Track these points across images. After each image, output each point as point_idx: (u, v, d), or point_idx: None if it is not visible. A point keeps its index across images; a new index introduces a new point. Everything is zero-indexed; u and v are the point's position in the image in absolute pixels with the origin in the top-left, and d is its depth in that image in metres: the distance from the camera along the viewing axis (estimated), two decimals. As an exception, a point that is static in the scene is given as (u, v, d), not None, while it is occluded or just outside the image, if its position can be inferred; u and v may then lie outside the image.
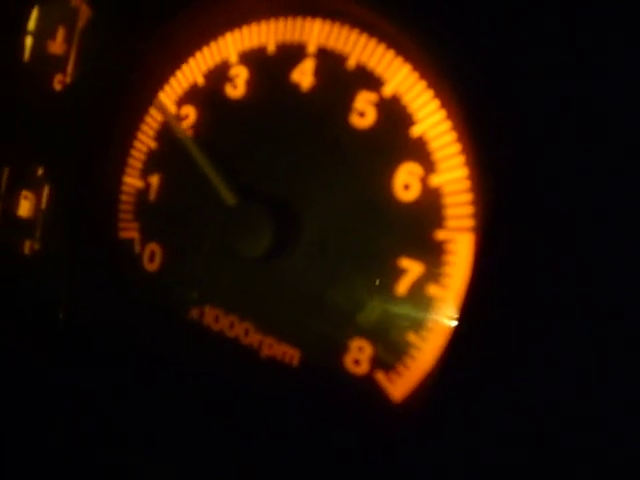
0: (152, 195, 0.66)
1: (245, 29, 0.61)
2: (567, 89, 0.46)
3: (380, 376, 0.55)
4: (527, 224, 0.47)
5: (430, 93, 0.53)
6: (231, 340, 0.61)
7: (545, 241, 0.47)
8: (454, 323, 0.51)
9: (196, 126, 0.64)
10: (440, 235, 0.52)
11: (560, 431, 0.46)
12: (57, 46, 0.71)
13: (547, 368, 0.46)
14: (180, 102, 0.65)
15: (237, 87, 0.61)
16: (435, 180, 0.52)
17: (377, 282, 0.55)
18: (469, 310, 0.50)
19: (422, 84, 0.53)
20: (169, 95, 0.65)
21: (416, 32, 0.52)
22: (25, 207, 0.74)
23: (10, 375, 0.67)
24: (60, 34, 0.71)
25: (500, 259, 0.49)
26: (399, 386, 0.54)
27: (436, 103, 0.53)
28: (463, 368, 0.50)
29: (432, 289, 0.52)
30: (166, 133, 0.65)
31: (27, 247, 0.74)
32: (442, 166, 0.52)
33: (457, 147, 0.52)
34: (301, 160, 0.58)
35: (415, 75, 0.54)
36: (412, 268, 0.53)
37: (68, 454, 0.63)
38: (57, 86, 0.71)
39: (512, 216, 0.48)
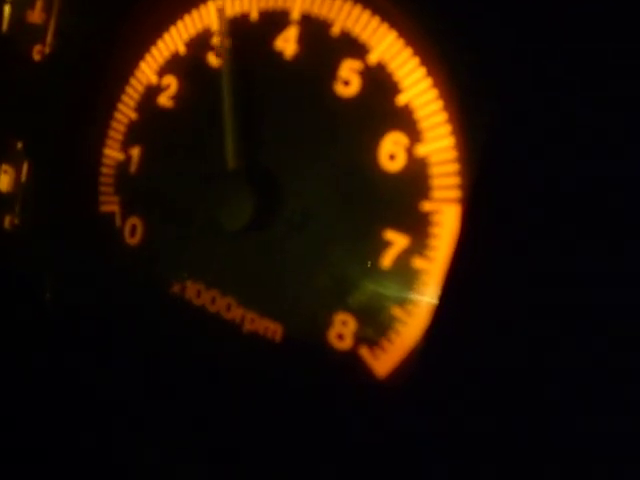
0: (133, 168, 0.64)
1: (227, -3, 0.60)
2: (556, 55, 0.45)
3: (364, 351, 0.53)
4: (513, 195, 0.46)
5: (416, 61, 0.52)
6: (213, 315, 0.60)
7: (532, 213, 0.45)
8: (439, 296, 0.50)
9: (177, 96, 0.62)
10: (426, 206, 0.51)
11: (545, 401, 0.45)
12: (36, 15, 0.70)
13: (532, 340, 0.45)
14: (161, 72, 0.63)
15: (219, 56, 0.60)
16: (421, 150, 0.51)
17: (369, 264, 0.53)
18: (453, 283, 0.48)
19: (408, 51, 0.52)
20: (150, 64, 0.64)
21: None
22: (4, 181, 0.72)
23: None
24: (39, 3, 0.69)
25: (485, 231, 0.47)
26: (383, 361, 0.53)
27: (422, 71, 0.51)
28: (447, 343, 0.49)
29: (417, 262, 0.51)
30: (147, 103, 0.64)
31: (7, 222, 0.72)
32: (428, 135, 0.51)
33: (443, 116, 0.50)
34: (284, 130, 0.57)
35: (401, 42, 0.52)
36: (397, 241, 0.52)
37: (54, 433, 0.62)
38: (36, 56, 0.69)
39: (498, 187, 0.47)
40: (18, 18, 0.71)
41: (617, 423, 0.42)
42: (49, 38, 0.69)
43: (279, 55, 0.57)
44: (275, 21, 0.57)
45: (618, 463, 0.43)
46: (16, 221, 0.72)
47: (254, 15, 0.58)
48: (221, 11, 0.58)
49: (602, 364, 0.43)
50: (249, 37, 0.58)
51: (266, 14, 0.58)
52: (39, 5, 0.69)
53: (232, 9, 0.59)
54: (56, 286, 0.69)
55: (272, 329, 0.57)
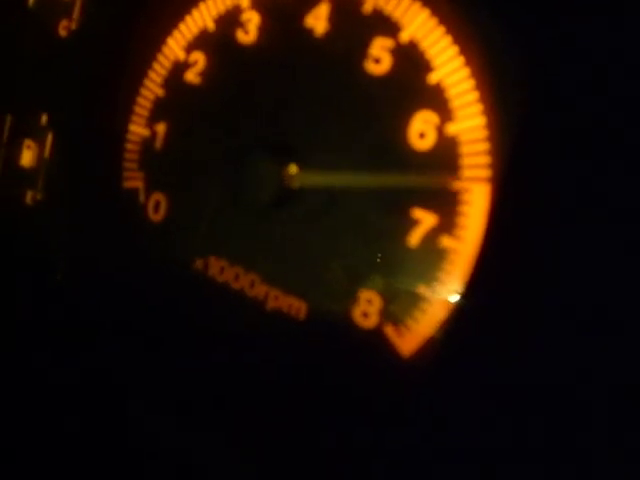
0: (158, 144, 0.64)
1: (258, -27, 0.60)
2: (594, 38, 0.45)
3: (389, 330, 0.53)
4: (544, 175, 0.46)
5: (448, 39, 0.51)
6: (236, 292, 0.59)
7: (563, 193, 0.45)
8: (467, 276, 0.50)
9: (205, 72, 0.62)
10: (455, 185, 0.51)
11: (570, 386, 0.44)
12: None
13: (562, 322, 0.45)
14: (189, 48, 0.63)
15: (249, 32, 0.60)
16: (451, 129, 0.51)
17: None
18: (483, 263, 0.48)
19: (440, 30, 0.52)
20: (178, 40, 0.64)
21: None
22: (28, 157, 0.72)
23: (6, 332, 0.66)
24: (66, -21, 0.69)
25: (516, 210, 0.47)
26: (408, 340, 0.53)
27: (454, 49, 0.51)
28: (474, 323, 0.49)
29: (445, 241, 0.51)
30: (174, 80, 0.64)
31: (29, 197, 0.72)
32: (459, 114, 0.51)
33: (475, 95, 0.50)
34: (313, 108, 0.56)
35: (434, 20, 0.52)
36: (425, 219, 0.52)
37: (69, 411, 0.62)
38: (62, 32, 0.69)
39: (529, 167, 0.47)
40: (45, -7, 0.71)
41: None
42: (76, 14, 0.69)
43: (309, 33, 0.57)
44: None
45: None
46: (38, 196, 0.72)
47: (285, -8, 0.58)
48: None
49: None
50: (279, 14, 0.58)
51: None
52: (66, -19, 0.69)
53: (263, -14, 0.59)
54: (71, 266, 0.69)
55: (296, 306, 0.57)
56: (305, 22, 0.57)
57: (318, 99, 0.56)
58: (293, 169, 0.56)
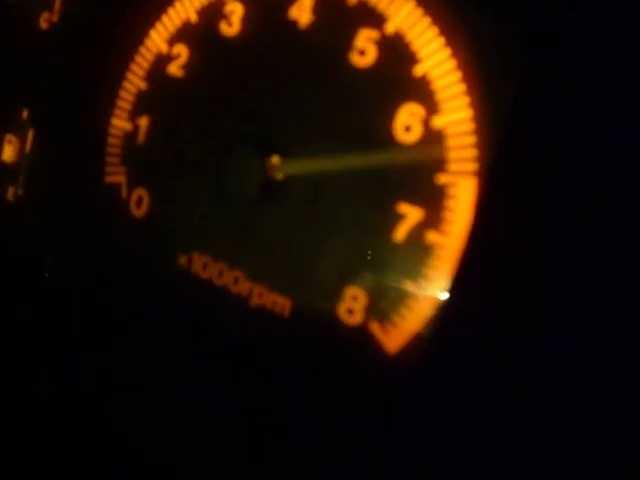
0: (140, 138, 0.63)
1: (241, -36, 0.58)
2: (582, 29, 0.44)
3: (374, 327, 0.52)
4: (531, 168, 0.45)
5: (434, 30, 0.50)
6: (220, 288, 0.58)
7: (550, 186, 0.44)
8: (453, 272, 0.49)
9: (188, 65, 0.61)
10: (441, 179, 0.50)
11: (561, 384, 0.44)
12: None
13: (548, 318, 0.44)
14: (172, 40, 0.62)
15: (232, 24, 0.59)
16: (438, 121, 0.50)
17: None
18: (469, 258, 0.48)
19: (426, 21, 0.51)
20: (160, 33, 0.62)
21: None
22: (9, 152, 0.71)
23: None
24: (47, -30, 0.68)
25: (502, 204, 0.46)
26: (394, 337, 0.52)
27: (440, 41, 0.50)
28: (460, 319, 0.48)
29: (431, 236, 0.50)
30: (157, 73, 0.63)
31: (10, 193, 0.71)
32: (445, 107, 0.50)
33: (461, 87, 0.49)
34: (297, 100, 0.55)
35: (419, 11, 0.51)
36: (411, 214, 0.51)
37: (55, 407, 0.61)
38: (43, 25, 0.68)
39: (516, 160, 0.46)
40: (26, -15, 0.70)
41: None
42: (57, 6, 0.67)
43: (293, 24, 0.56)
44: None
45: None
46: (20, 192, 0.70)
47: (268, -17, 0.57)
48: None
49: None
50: (263, 6, 0.57)
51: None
52: (47, -27, 0.68)
53: (246, -23, 0.58)
54: (57, 263, 0.68)
55: (280, 303, 0.56)
56: (289, 13, 0.56)
57: (303, 92, 0.55)
58: (276, 160, 0.55)
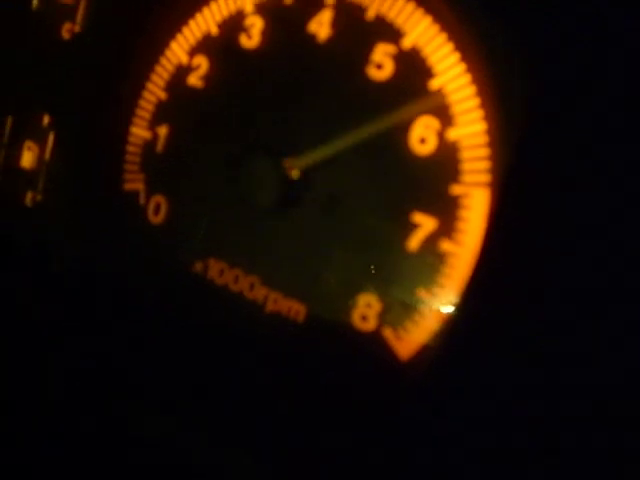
0: (159, 146, 0.65)
1: (262, -21, 0.60)
2: (596, 47, 0.45)
3: (388, 333, 0.54)
4: (544, 181, 0.46)
5: (450, 46, 0.52)
6: (235, 294, 0.60)
7: (562, 198, 0.46)
8: (466, 280, 0.50)
9: (208, 76, 0.62)
10: (455, 190, 0.51)
11: (572, 389, 0.45)
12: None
13: (561, 325, 0.45)
14: (192, 52, 0.63)
15: (252, 37, 0.60)
16: (452, 134, 0.51)
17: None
18: (481, 268, 0.49)
19: (442, 36, 0.52)
20: (181, 44, 0.64)
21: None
22: (28, 158, 0.72)
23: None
24: (71, -19, 0.70)
25: (516, 216, 0.48)
26: (406, 344, 0.53)
27: (456, 56, 0.52)
28: (472, 327, 0.49)
29: (445, 245, 0.51)
30: (177, 83, 0.64)
31: (29, 198, 0.72)
32: (460, 120, 0.51)
33: (476, 101, 0.51)
34: (315, 113, 0.57)
35: (436, 27, 0.52)
36: (425, 223, 0.52)
37: (67, 405, 0.62)
38: (65, 35, 0.70)
39: (529, 172, 0.47)
40: (49, -3, 0.71)
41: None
42: (79, 17, 0.69)
43: (312, 38, 0.57)
44: (309, 4, 0.57)
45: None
46: (38, 198, 0.72)
47: (288, -1, 0.59)
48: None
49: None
50: (282, 20, 0.59)
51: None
52: (70, -17, 0.70)
53: (266, -8, 0.60)
54: (72, 266, 0.69)
55: (295, 309, 0.57)
56: (308, 28, 0.57)
57: (321, 104, 0.57)
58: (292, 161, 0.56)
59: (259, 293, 0.59)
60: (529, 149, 0.47)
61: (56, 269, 0.68)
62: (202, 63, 0.63)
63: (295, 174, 0.56)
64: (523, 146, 0.48)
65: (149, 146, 0.65)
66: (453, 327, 0.51)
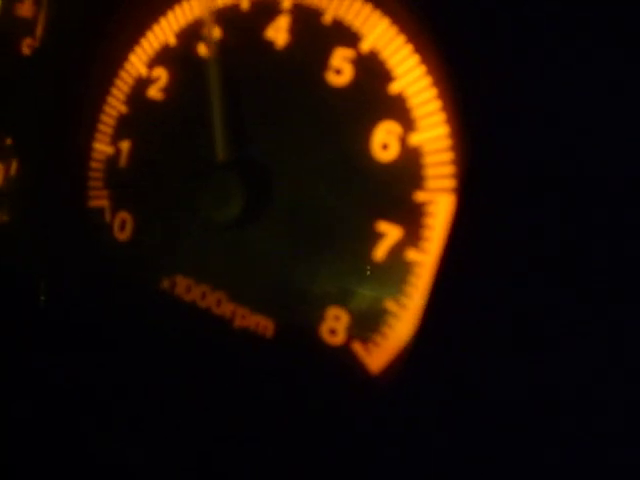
0: (122, 162, 0.63)
1: (218, -14, 0.59)
2: (553, 42, 0.44)
3: (357, 346, 0.52)
4: (508, 184, 0.45)
5: (409, 48, 0.50)
6: (203, 311, 0.58)
7: (527, 202, 0.44)
8: (429, 290, 0.48)
9: (168, 88, 0.61)
10: (420, 197, 0.50)
11: (539, 398, 0.43)
12: (26, 9, 0.69)
13: (528, 334, 0.44)
14: (151, 64, 0.62)
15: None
16: (415, 139, 0.50)
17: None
18: (444, 276, 0.47)
19: (401, 38, 0.51)
20: (140, 56, 0.62)
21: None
22: (-6, 177, 0.71)
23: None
24: (29, -4, 0.68)
25: (477, 222, 0.46)
26: (377, 357, 0.52)
27: (416, 58, 0.50)
28: (440, 336, 0.47)
29: (411, 254, 0.50)
30: (137, 96, 0.63)
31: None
32: (422, 124, 0.50)
33: (438, 104, 0.49)
34: (275, 121, 0.55)
35: (394, 29, 0.51)
36: (390, 232, 0.51)
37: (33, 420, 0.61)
38: (25, 50, 0.68)
39: (492, 176, 0.46)
40: (7, 11, 0.70)
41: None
42: (39, 32, 0.68)
43: (270, 45, 0.56)
44: (266, 10, 0.56)
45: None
46: (4, 218, 0.70)
47: (245, 5, 0.57)
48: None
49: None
50: (240, 27, 0.57)
51: (257, 3, 0.57)
52: (29, -2, 0.68)
53: (223, -1, 0.58)
54: (47, 285, 0.67)
55: (263, 325, 0.56)
56: (266, 34, 0.56)
57: (281, 112, 0.55)
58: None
59: (227, 309, 0.57)
60: (490, 152, 0.46)
61: (23, 288, 0.66)
62: (162, 75, 0.61)
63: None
64: (484, 149, 0.46)
65: (112, 162, 0.64)
66: (421, 337, 0.49)
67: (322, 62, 0.53)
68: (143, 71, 0.62)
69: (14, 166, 0.70)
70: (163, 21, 0.61)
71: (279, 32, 0.55)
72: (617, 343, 0.41)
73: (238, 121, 0.56)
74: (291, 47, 0.55)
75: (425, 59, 0.50)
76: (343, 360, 0.52)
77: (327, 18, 0.53)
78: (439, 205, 0.49)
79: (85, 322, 0.63)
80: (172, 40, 0.61)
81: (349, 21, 0.53)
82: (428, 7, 0.49)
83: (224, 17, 0.58)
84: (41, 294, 0.67)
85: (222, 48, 0.57)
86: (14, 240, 0.69)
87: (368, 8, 0.52)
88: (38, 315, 0.67)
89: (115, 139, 0.64)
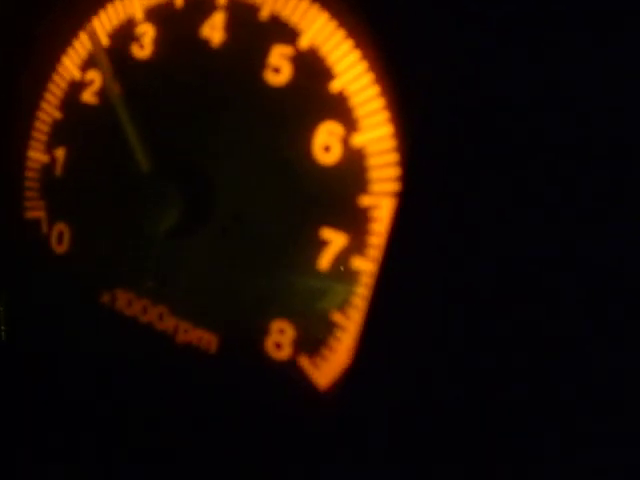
0: (58, 170, 0.60)
1: (151, -18, 0.55)
2: (494, 41, 0.41)
3: (304, 361, 0.49)
4: (451, 186, 0.42)
5: (349, 43, 0.48)
6: (145, 325, 0.55)
7: (469, 205, 0.42)
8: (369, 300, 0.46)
9: (101, 92, 0.58)
10: (364, 201, 0.47)
11: (484, 406, 0.41)
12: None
13: (467, 341, 0.42)
14: (85, 66, 0.59)
15: (144, 47, 0.56)
16: (357, 140, 0.47)
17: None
18: (385, 284, 0.44)
19: (340, 34, 0.48)
20: (73, 59, 0.59)
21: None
22: None
23: None
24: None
25: (418, 226, 0.44)
26: (324, 371, 0.49)
27: (356, 54, 0.48)
28: (383, 347, 0.45)
29: (357, 262, 0.47)
30: (71, 101, 0.59)
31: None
32: (364, 124, 0.47)
33: (380, 102, 0.47)
34: (213, 123, 0.52)
35: (332, 24, 0.48)
36: (335, 239, 0.48)
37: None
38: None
39: (434, 177, 0.43)
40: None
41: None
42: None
43: (206, 44, 0.53)
44: (201, 8, 0.53)
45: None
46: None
47: (179, 2, 0.54)
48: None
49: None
50: (174, 26, 0.54)
51: (191, 0, 0.54)
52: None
53: (156, -4, 0.55)
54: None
55: (207, 339, 0.53)
56: (201, 33, 0.53)
57: (219, 114, 0.52)
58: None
59: (169, 323, 0.54)
60: (434, 151, 0.43)
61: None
62: (95, 78, 0.58)
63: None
64: (427, 148, 0.43)
65: (48, 170, 0.60)
66: (362, 350, 0.46)
67: (260, 61, 0.50)
68: (76, 74, 0.59)
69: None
70: (96, 21, 0.58)
71: (215, 30, 0.52)
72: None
73: (168, 127, 0.53)
74: (227, 46, 0.52)
75: (366, 55, 0.47)
76: (290, 376, 0.50)
77: (264, 14, 0.51)
78: (385, 210, 0.46)
79: (27, 337, 0.60)
80: (105, 41, 0.58)
81: (286, 16, 0.50)
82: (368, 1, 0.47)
83: (158, 16, 0.55)
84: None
85: (156, 47, 0.55)
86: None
87: (305, 3, 0.49)
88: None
89: (50, 146, 0.60)
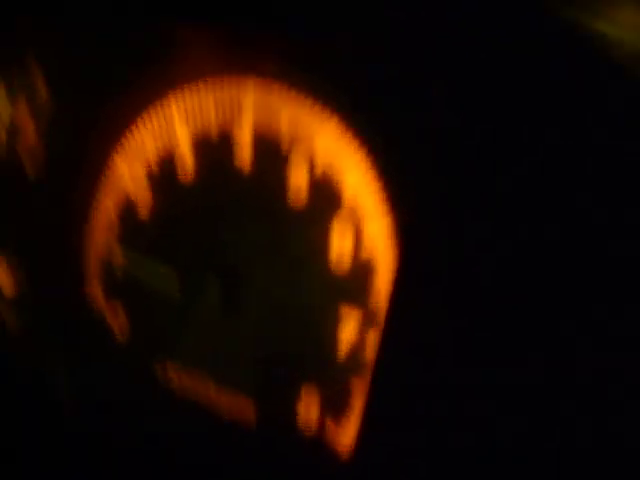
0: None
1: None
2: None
3: (329, 423, 0.59)
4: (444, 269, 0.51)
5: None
6: (192, 395, 0.65)
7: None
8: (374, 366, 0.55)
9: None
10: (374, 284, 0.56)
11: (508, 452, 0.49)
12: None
13: (474, 392, 0.50)
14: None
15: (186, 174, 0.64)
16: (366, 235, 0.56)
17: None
18: (385, 349, 0.54)
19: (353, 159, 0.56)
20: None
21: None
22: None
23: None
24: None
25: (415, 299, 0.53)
26: (347, 436, 0.58)
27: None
28: (390, 408, 0.54)
29: (371, 333, 0.56)
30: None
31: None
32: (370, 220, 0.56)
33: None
34: (247, 234, 0.62)
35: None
36: (351, 314, 0.57)
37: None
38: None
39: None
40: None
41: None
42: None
43: (237, 172, 0.60)
44: (231, 141, 0.60)
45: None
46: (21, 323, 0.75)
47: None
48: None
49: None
50: (210, 156, 0.62)
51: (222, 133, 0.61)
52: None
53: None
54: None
55: (244, 406, 0.62)
56: (234, 163, 0.61)
57: (251, 226, 0.61)
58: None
59: (209, 391, 0.64)
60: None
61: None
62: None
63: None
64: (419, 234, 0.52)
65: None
66: (371, 411, 0.55)
67: (283, 185, 0.59)
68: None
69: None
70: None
71: (243, 162, 0.60)
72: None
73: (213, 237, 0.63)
74: (255, 174, 0.60)
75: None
76: (317, 439, 0.59)
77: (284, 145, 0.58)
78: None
79: (88, 418, 0.68)
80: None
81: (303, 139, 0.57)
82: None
83: (195, 145, 0.62)
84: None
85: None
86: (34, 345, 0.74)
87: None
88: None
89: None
